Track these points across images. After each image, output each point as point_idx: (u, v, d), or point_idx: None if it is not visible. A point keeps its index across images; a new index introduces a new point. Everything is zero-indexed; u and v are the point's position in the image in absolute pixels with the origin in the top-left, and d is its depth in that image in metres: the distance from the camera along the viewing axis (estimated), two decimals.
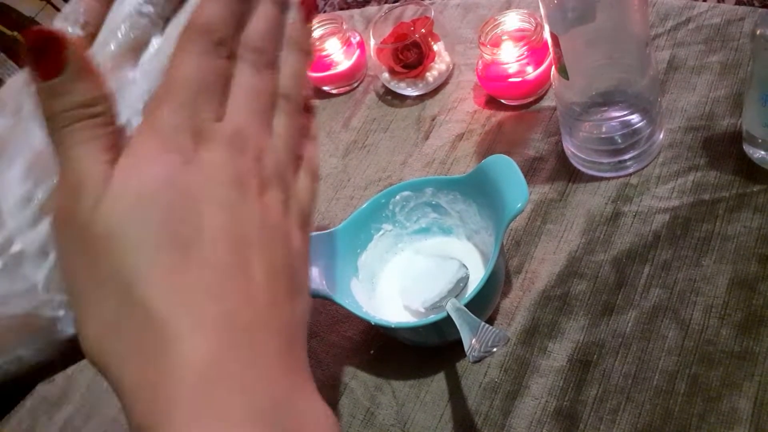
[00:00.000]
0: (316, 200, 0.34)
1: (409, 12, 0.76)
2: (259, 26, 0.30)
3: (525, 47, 0.62)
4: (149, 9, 0.30)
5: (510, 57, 0.63)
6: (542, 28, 0.60)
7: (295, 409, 0.25)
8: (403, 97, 0.74)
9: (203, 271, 0.25)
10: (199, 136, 0.27)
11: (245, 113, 0.29)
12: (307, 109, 0.35)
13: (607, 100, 0.53)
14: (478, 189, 0.52)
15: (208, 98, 0.28)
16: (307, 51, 0.33)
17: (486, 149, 0.64)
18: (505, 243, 0.55)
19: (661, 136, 0.56)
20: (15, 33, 1.45)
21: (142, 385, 0.23)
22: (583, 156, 0.57)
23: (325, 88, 0.78)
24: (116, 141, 0.26)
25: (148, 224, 0.24)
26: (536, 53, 0.63)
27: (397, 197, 0.56)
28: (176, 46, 0.28)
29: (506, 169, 0.48)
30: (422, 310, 0.52)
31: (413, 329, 0.50)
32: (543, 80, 0.64)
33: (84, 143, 0.26)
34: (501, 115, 0.66)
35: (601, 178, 0.56)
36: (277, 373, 0.25)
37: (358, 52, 0.76)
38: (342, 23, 0.77)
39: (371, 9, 0.89)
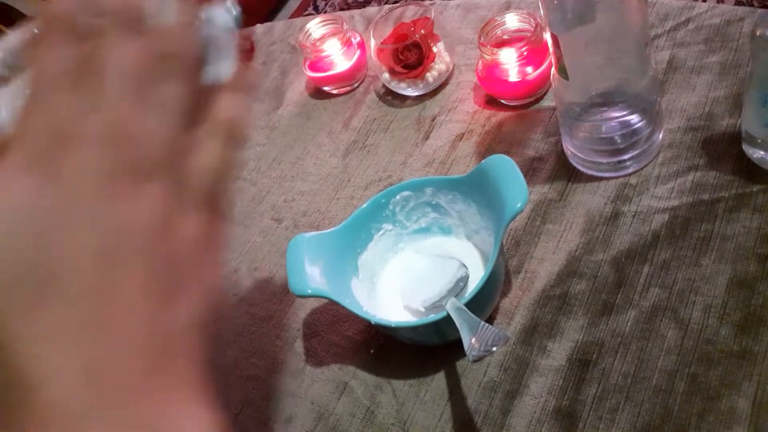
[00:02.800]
0: (233, 163, 0.31)
1: (410, 12, 0.77)
2: None
3: (525, 48, 0.63)
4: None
5: (510, 57, 0.63)
6: (542, 28, 0.60)
7: (166, 426, 0.24)
8: (403, 98, 0.74)
9: (62, 307, 0.24)
10: (67, 140, 0.25)
11: (117, 96, 0.26)
12: (245, 54, 0.32)
13: (606, 100, 0.53)
14: (477, 189, 0.52)
15: (73, 93, 0.26)
16: None
17: (486, 149, 0.64)
18: (504, 243, 0.55)
19: (661, 136, 0.56)
20: None
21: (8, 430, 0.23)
22: (582, 156, 0.57)
23: (326, 88, 0.79)
24: None
25: (4, 261, 0.23)
26: (536, 54, 0.63)
27: (397, 197, 0.56)
28: (36, 42, 0.26)
29: (506, 169, 0.49)
30: (422, 309, 0.52)
31: (413, 329, 0.50)
32: (543, 80, 0.64)
33: None
34: (501, 115, 0.66)
35: (601, 178, 0.57)
36: (141, 397, 0.24)
37: (358, 52, 0.77)
38: (342, 24, 0.77)
39: (371, 9, 0.89)
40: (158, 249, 0.26)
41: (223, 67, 0.30)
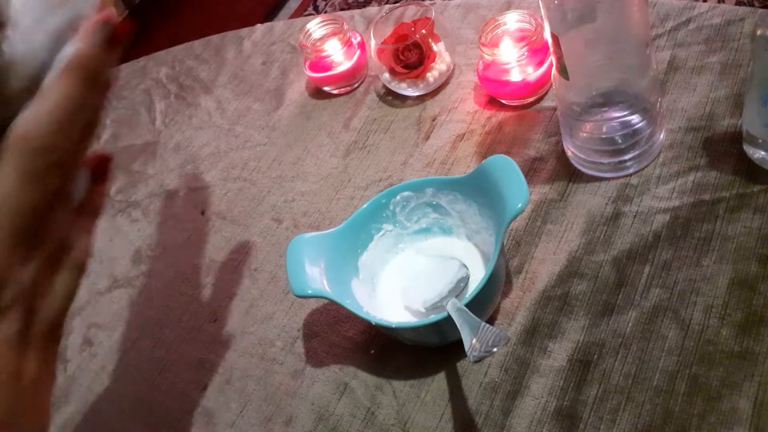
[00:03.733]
0: (74, 294, 0.32)
1: (410, 12, 0.77)
2: None
3: (525, 47, 0.62)
4: None
5: (510, 57, 0.63)
6: (542, 28, 0.60)
7: None
8: (403, 98, 0.74)
9: None
10: None
11: None
12: (91, 205, 0.34)
13: (607, 100, 0.53)
14: (478, 189, 0.52)
15: None
16: None
17: (486, 149, 0.64)
18: (505, 243, 0.55)
19: (662, 136, 0.56)
20: None
21: None
22: (583, 156, 0.57)
23: (326, 88, 0.79)
24: None
25: None
26: (536, 53, 0.63)
27: (398, 197, 0.56)
28: None
29: (507, 169, 0.49)
30: (423, 310, 0.52)
31: (414, 329, 0.50)
32: (543, 80, 0.64)
33: None
34: (501, 115, 0.66)
35: (602, 179, 0.56)
36: None
37: (358, 52, 0.76)
38: (343, 24, 0.77)
39: (372, 9, 0.89)
40: (5, 399, 0.27)
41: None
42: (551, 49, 0.51)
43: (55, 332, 0.30)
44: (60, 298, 0.30)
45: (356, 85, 0.78)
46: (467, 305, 0.46)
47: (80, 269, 0.32)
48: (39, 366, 0.29)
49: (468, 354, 0.42)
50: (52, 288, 0.30)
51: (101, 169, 0.36)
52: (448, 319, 0.46)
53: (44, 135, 0.27)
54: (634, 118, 0.53)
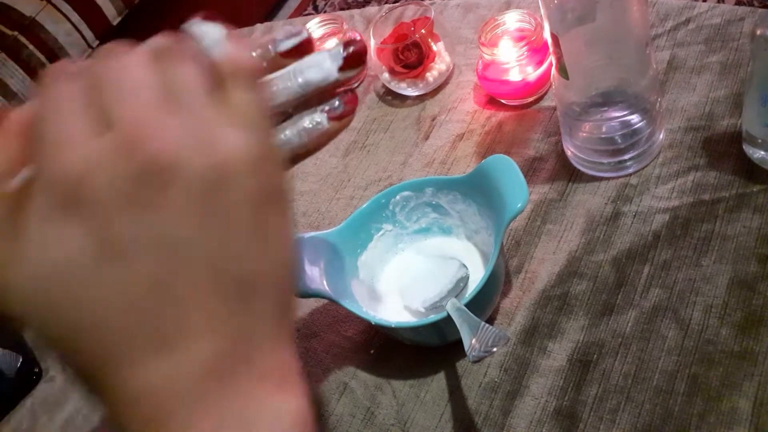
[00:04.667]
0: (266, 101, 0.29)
1: (410, 12, 0.76)
2: None
3: (525, 47, 0.62)
4: None
5: (510, 57, 0.63)
6: (542, 28, 0.60)
7: (258, 413, 0.26)
8: (403, 97, 0.74)
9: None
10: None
11: (200, 105, 0.25)
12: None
13: (607, 100, 0.53)
14: (478, 189, 0.52)
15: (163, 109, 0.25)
16: None
17: (486, 149, 0.64)
18: (505, 243, 0.55)
19: (661, 136, 0.56)
20: (15, 33, 1.45)
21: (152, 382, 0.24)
22: (583, 156, 0.57)
23: None
24: None
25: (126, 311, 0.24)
26: (536, 53, 0.63)
27: (398, 197, 0.56)
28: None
29: (506, 169, 0.49)
30: (422, 310, 0.52)
31: (413, 329, 0.50)
32: (543, 80, 0.64)
33: None
34: (501, 115, 0.66)
35: (601, 178, 0.56)
36: (235, 385, 0.25)
37: None
38: (342, 23, 0.77)
39: (371, 9, 0.89)
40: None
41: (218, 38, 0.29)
42: (551, 49, 0.51)
43: (263, 123, 0.28)
44: (245, 105, 0.27)
45: (356, 84, 0.78)
46: (467, 305, 0.46)
47: (250, 81, 0.28)
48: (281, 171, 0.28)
49: (467, 354, 0.42)
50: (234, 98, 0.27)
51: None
52: (448, 319, 0.46)
53: None
54: (634, 118, 0.53)
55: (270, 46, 0.31)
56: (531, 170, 0.60)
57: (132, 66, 0.25)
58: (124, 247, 0.23)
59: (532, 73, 0.63)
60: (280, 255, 0.27)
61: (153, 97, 0.24)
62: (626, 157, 0.55)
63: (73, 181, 0.23)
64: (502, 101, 0.67)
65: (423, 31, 0.69)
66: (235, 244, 0.25)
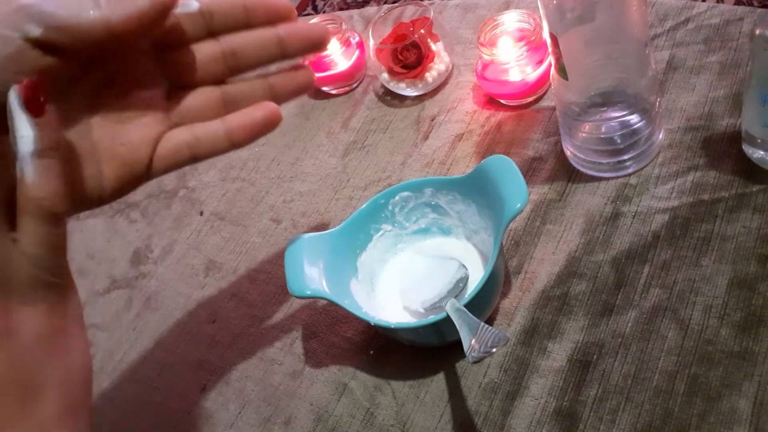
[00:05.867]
0: (56, 238, 0.28)
1: (409, 12, 0.76)
2: None
3: (524, 47, 0.62)
4: None
5: (509, 57, 0.63)
6: (541, 28, 0.60)
7: None
8: (402, 98, 0.74)
9: None
10: None
11: None
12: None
13: (606, 100, 0.53)
14: (477, 189, 0.52)
15: None
16: None
17: (485, 149, 0.64)
18: (504, 243, 0.55)
19: (661, 136, 0.56)
20: None
21: None
22: (582, 156, 0.57)
23: (325, 88, 0.78)
24: None
25: None
26: (535, 53, 0.63)
27: (397, 198, 0.56)
28: None
29: (505, 169, 0.48)
30: (422, 310, 0.52)
31: (413, 330, 0.50)
32: (542, 80, 0.64)
33: None
34: (500, 115, 0.66)
35: (601, 179, 0.56)
36: None
37: (357, 52, 0.76)
38: (341, 24, 0.77)
39: (370, 9, 0.89)
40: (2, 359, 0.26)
41: (26, 143, 0.29)
42: (550, 49, 0.51)
43: (50, 284, 0.28)
44: (29, 248, 0.27)
45: (355, 85, 0.78)
46: (466, 305, 0.46)
47: (40, 214, 0.28)
48: (40, 320, 0.27)
49: (467, 354, 0.42)
50: (18, 240, 0.27)
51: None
52: (447, 320, 0.46)
53: None
54: (633, 118, 0.53)
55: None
56: (530, 170, 0.60)
57: None
58: None
59: (532, 74, 0.63)
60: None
61: None
62: (626, 157, 0.55)
63: None
64: (502, 101, 0.67)
65: (422, 31, 0.69)
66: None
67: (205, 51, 0.35)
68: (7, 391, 0.25)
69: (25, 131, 0.27)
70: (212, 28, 0.35)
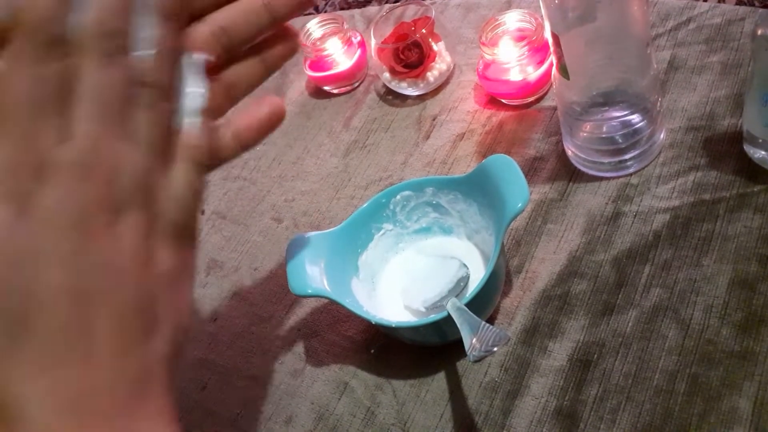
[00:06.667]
0: (201, 189, 0.30)
1: (410, 12, 0.76)
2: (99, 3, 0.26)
3: (526, 47, 0.62)
4: None
5: (511, 57, 0.63)
6: (543, 27, 0.60)
7: None
8: (403, 97, 0.74)
9: (39, 345, 0.24)
10: (40, 170, 0.25)
11: (92, 123, 0.26)
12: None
13: (607, 99, 0.53)
14: (478, 189, 0.52)
15: (47, 118, 0.25)
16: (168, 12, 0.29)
17: (486, 149, 0.64)
18: (505, 242, 0.55)
19: (662, 136, 0.56)
20: None
21: None
22: (583, 156, 0.57)
23: (326, 87, 0.78)
24: None
25: None
26: (537, 53, 0.63)
27: (398, 197, 0.56)
28: (6, 59, 0.25)
29: (507, 168, 0.49)
30: (423, 309, 0.52)
31: (414, 329, 0.50)
32: (544, 80, 0.64)
33: None
34: (502, 114, 0.66)
35: (602, 178, 0.56)
36: (116, 426, 0.25)
37: (359, 52, 0.76)
38: (343, 23, 0.77)
39: (372, 9, 0.89)
40: (134, 284, 0.26)
41: (196, 98, 0.31)
42: (551, 49, 0.51)
43: (186, 231, 0.29)
44: (180, 191, 0.29)
45: (356, 84, 0.78)
46: (467, 305, 0.46)
47: (202, 164, 0.30)
48: (173, 261, 0.28)
49: (468, 353, 0.42)
50: (168, 182, 0.29)
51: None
52: (448, 319, 0.46)
53: None
54: (635, 118, 0.53)
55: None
56: (531, 170, 0.60)
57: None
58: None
59: (533, 73, 0.63)
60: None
61: None
62: (627, 156, 0.55)
63: None
64: (503, 101, 0.67)
65: (424, 30, 0.69)
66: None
67: (194, 36, 0.34)
68: (137, 316, 0.26)
69: (198, 89, 0.31)
70: (194, 9, 0.34)
